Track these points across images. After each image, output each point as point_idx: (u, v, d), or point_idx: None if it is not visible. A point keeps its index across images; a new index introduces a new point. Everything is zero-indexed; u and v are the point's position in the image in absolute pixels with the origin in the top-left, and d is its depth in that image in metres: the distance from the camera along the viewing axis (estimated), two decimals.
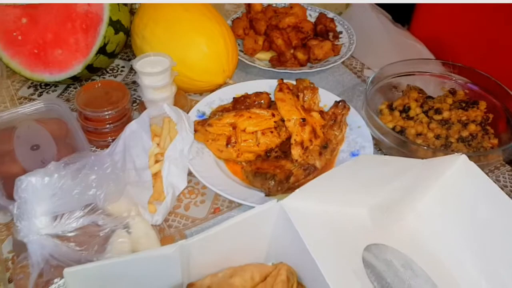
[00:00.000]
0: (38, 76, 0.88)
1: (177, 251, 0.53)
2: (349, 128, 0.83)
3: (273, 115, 0.79)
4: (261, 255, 0.63)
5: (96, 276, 0.51)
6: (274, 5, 1.11)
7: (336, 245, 0.58)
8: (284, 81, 0.85)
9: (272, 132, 0.78)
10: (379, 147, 0.83)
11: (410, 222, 0.68)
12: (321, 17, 1.07)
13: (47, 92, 0.93)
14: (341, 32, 1.08)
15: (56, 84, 0.93)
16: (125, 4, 0.91)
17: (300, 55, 0.99)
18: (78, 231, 0.60)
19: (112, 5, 0.86)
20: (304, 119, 0.78)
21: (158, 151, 0.71)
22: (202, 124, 0.78)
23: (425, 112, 0.82)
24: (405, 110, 0.83)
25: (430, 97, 0.85)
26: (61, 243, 0.58)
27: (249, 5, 1.09)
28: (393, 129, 0.80)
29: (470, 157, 0.63)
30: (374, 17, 1.46)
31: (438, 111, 0.81)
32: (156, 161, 0.71)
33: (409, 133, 0.79)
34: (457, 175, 0.66)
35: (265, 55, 1.03)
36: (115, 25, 0.87)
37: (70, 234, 0.59)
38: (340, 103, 0.83)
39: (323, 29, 1.04)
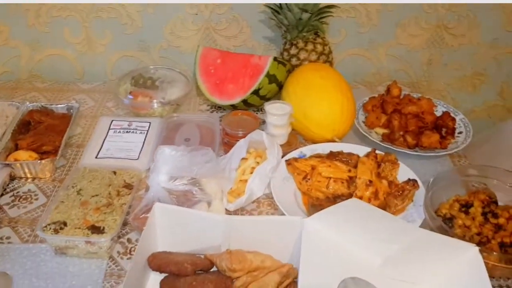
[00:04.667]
0: (213, 99, 1.27)
1: (224, 220, 0.79)
2: (413, 203, 0.97)
3: (350, 171, 0.99)
4: (285, 258, 0.84)
5: (172, 215, 0.81)
6: (414, 95, 1.30)
7: (326, 270, 0.75)
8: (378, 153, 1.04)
9: (342, 182, 0.98)
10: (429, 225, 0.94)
11: None
12: (445, 114, 1.21)
13: (216, 112, 1.31)
14: (461, 132, 1.20)
15: (222, 108, 1.31)
16: (284, 65, 1.23)
17: (409, 139, 1.16)
18: (180, 193, 0.92)
19: (273, 63, 1.20)
20: (371, 181, 0.96)
21: (254, 165, 1.00)
22: (295, 160, 1.03)
23: (484, 214, 0.91)
24: (467, 205, 0.93)
25: (495, 202, 0.93)
26: (168, 195, 0.91)
27: (388, 89, 1.30)
28: (444, 215, 0.91)
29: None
30: None
31: (495, 215, 0.89)
32: (251, 172, 1.00)
33: (456, 223, 0.89)
34: (466, 265, 0.75)
35: (382, 131, 1.22)
36: (270, 77, 1.20)
37: (174, 193, 0.92)
38: (411, 181, 0.98)
39: (441, 124, 1.19)
